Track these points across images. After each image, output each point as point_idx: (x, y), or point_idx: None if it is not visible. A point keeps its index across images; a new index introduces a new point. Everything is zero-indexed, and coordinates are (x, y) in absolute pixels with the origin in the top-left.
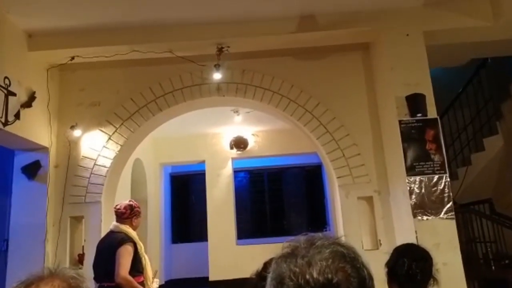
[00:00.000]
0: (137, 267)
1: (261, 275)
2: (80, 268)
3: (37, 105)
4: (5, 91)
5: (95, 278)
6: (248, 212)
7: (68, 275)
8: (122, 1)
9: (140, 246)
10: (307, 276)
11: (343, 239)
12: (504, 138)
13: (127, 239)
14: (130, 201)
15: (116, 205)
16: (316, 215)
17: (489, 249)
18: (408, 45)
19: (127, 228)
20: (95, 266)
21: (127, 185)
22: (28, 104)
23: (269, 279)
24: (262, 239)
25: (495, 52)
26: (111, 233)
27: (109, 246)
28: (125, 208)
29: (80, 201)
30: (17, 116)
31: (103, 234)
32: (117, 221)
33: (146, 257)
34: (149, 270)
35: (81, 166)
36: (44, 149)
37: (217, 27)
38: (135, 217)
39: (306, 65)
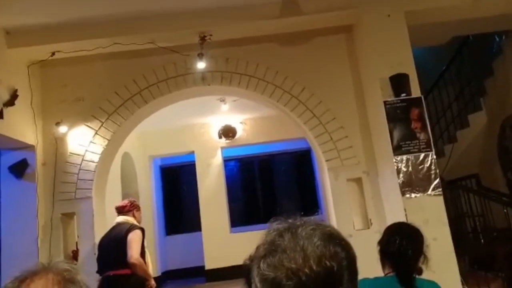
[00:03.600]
0: (144, 256)
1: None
2: (75, 264)
3: (20, 103)
4: None
5: (99, 271)
6: (240, 200)
7: (62, 268)
8: None
9: (145, 236)
10: (307, 271)
11: (314, 219)
12: (488, 114)
13: (136, 225)
14: (129, 199)
15: (118, 204)
16: (307, 199)
17: (477, 223)
18: (389, 26)
19: (133, 220)
20: (101, 257)
21: (117, 179)
22: (10, 102)
23: (257, 284)
24: (256, 225)
25: (476, 29)
26: (118, 225)
27: (117, 236)
28: (124, 203)
29: (71, 197)
30: (0, 115)
31: (96, 228)
32: (120, 215)
33: (148, 252)
34: (150, 264)
35: (69, 162)
36: (30, 147)
37: (198, 16)
38: (135, 209)
39: (290, 50)
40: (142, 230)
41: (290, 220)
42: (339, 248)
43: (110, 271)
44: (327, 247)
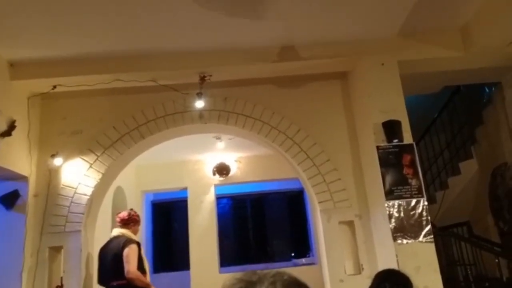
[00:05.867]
0: (142, 266)
1: None
2: None
3: (17, 134)
4: None
5: (101, 282)
6: (231, 239)
7: None
8: (105, 32)
9: (141, 248)
10: None
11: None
12: (479, 163)
13: (131, 240)
14: (130, 209)
15: (118, 213)
16: (299, 241)
17: (469, 272)
18: (383, 74)
19: (128, 232)
20: (101, 269)
21: (108, 213)
22: (7, 133)
23: None
24: (246, 266)
25: (466, 80)
26: (114, 238)
27: (114, 249)
28: (123, 215)
29: (60, 230)
30: None
31: (82, 263)
32: (118, 227)
33: (146, 260)
34: (148, 273)
35: (61, 195)
36: (23, 178)
37: (199, 57)
38: (132, 223)
39: (287, 93)
40: (138, 244)
41: (243, 278)
42: None
43: (114, 282)
44: None
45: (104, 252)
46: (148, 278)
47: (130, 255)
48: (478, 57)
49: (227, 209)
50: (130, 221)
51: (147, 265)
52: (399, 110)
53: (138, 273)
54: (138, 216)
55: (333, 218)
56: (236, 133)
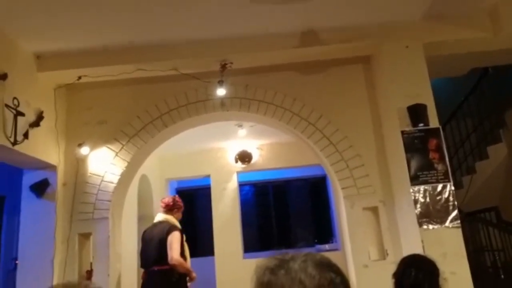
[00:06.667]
0: (183, 253)
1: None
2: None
3: (45, 124)
4: (14, 111)
5: (143, 265)
6: (254, 225)
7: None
8: (127, 22)
9: (183, 235)
10: None
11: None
12: (508, 146)
13: (176, 226)
14: (174, 195)
15: (163, 199)
16: (322, 227)
17: (497, 257)
18: (408, 57)
19: (172, 218)
20: (144, 253)
21: (134, 201)
22: (36, 123)
23: None
24: (269, 252)
25: (495, 61)
26: (158, 223)
27: (159, 235)
28: (167, 201)
29: (88, 217)
30: (25, 135)
31: (111, 249)
32: (162, 212)
33: (186, 246)
34: (188, 258)
35: (88, 183)
36: (52, 167)
37: (220, 44)
38: (176, 209)
39: (308, 79)
40: (180, 231)
41: (277, 256)
42: (333, 274)
43: (155, 266)
44: (322, 275)
45: (148, 236)
46: (189, 263)
47: (173, 242)
48: (508, 37)
49: (250, 196)
50: (174, 207)
51: (187, 252)
52: (425, 93)
53: (181, 260)
54: (181, 202)
55: (357, 204)
56: (257, 120)
